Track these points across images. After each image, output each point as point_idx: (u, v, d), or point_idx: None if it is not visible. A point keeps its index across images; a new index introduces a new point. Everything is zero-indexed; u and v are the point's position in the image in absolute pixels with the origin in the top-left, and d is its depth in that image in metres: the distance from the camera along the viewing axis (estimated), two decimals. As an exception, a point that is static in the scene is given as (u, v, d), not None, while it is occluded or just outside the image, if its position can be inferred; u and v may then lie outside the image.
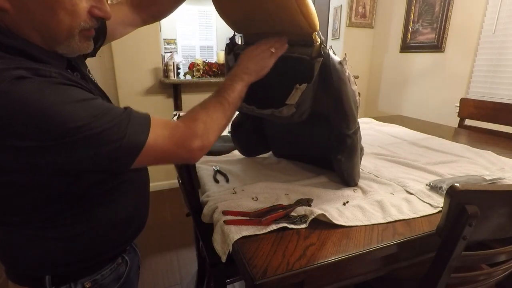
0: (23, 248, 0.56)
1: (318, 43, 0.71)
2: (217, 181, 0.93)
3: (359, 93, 0.79)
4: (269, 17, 0.73)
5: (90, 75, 0.66)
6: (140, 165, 0.53)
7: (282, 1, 0.66)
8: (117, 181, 0.61)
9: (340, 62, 0.72)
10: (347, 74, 0.74)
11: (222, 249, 0.65)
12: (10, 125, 0.41)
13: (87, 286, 0.61)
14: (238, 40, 0.92)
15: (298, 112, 0.75)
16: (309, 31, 0.70)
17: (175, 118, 1.47)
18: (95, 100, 0.49)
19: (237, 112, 0.94)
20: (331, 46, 0.73)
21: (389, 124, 1.73)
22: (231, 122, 1.06)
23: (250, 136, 1.09)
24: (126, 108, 0.52)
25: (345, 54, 0.78)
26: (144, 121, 0.52)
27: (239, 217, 0.71)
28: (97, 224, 0.60)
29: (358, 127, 0.84)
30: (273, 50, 0.72)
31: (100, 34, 0.70)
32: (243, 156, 1.15)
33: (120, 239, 0.66)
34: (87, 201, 0.57)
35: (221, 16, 0.83)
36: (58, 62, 0.54)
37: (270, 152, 1.18)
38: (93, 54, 0.73)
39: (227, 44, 0.91)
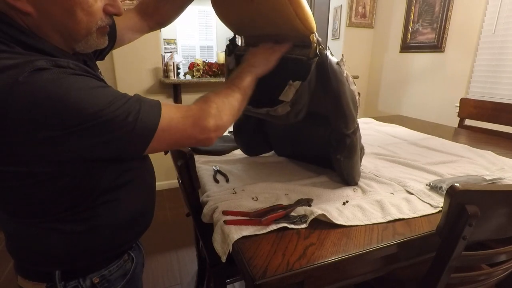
0: (35, 242, 0.57)
1: (315, 44, 0.72)
2: (217, 181, 0.93)
3: (358, 93, 0.80)
4: (267, 20, 0.74)
5: (102, 76, 0.68)
6: (156, 149, 0.54)
7: (277, 5, 0.66)
8: (126, 178, 0.62)
9: (337, 63, 0.73)
10: (345, 74, 0.74)
11: (222, 249, 0.65)
12: (30, 115, 0.43)
13: (95, 281, 0.62)
14: (238, 41, 0.92)
15: (293, 111, 0.76)
16: (306, 33, 0.71)
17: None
18: (108, 88, 0.51)
19: None
20: (328, 47, 0.73)
21: (389, 124, 1.73)
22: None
23: (253, 135, 1.09)
24: (135, 95, 0.54)
25: (342, 54, 0.79)
26: (154, 104, 0.54)
27: (239, 217, 0.71)
28: (106, 220, 0.60)
29: (358, 126, 0.84)
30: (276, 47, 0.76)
31: (110, 39, 0.73)
32: (243, 156, 1.15)
33: (128, 236, 0.67)
34: (97, 198, 0.58)
35: (220, 19, 0.84)
36: (75, 61, 0.56)
37: (271, 152, 1.18)
38: (101, 58, 0.77)
39: (227, 46, 0.92)
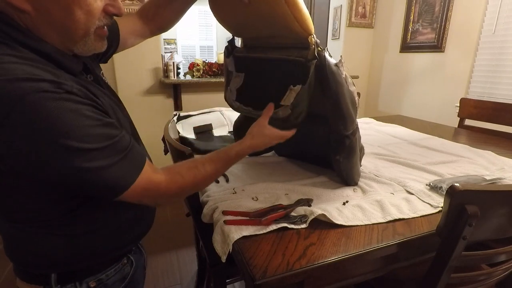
0: (31, 245, 0.57)
1: (313, 46, 0.72)
2: (217, 181, 0.93)
3: (358, 93, 0.80)
4: (265, 23, 0.74)
5: (104, 78, 0.68)
6: (121, 199, 0.55)
7: (275, 8, 0.66)
8: None
9: (336, 64, 0.73)
10: (343, 75, 0.74)
11: (222, 249, 0.65)
12: (26, 131, 0.42)
13: (92, 285, 0.62)
14: (237, 43, 0.92)
15: (294, 114, 0.76)
16: (304, 35, 0.71)
17: (175, 118, 1.47)
18: (106, 127, 0.50)
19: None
20: (326, 49, 0.73)
21: (389, 124, 1.73)
22: (234, 122, 1.06)
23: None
24: (129, 143, 0.54)
25: (341, 56, 0.78)
26: (138, 165, 0.54)
27: (239, 217, 0.71)
28: (104, 224, 0.60)
29: (357, 127, 0.84)
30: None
31: (113, 41, 0.74)
32: (243, 156, 1.14)
33: (126, 239, 0.66)
34: (95, 202, 0.58)
35: (219, 22, 0.84)
36: (76, 65, 0.56)
37: (271, 152, 1.18)
38: (105, 61, 0.77)
39: (226, 47, 0.92)
